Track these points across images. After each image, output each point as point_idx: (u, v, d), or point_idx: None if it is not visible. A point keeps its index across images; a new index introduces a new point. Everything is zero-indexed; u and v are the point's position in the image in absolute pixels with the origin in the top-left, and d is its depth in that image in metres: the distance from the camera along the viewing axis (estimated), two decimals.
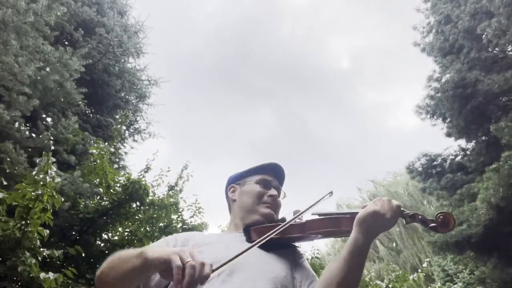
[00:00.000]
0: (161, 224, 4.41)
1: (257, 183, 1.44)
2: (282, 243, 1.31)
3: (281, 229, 1.19)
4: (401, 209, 1.15)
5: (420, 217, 1.14)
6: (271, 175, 1.49)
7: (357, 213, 1.14)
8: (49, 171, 2.54)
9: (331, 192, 1.37)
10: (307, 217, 1.29)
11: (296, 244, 1.40)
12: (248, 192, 1.43)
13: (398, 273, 5.13)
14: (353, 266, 1.09)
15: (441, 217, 1.12)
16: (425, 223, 1.14)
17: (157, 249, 1.03)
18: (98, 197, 4.07)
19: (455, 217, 1.14)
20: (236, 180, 1.52)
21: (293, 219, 1.26)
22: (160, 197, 4.44)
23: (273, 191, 1.43)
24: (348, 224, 1.17)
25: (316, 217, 1.27)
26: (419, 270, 5.08)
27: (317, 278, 1.25)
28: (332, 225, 1.23)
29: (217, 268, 0.98)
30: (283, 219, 1.35)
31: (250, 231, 1.32)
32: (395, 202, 1.14)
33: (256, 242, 1.14)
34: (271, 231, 1.19)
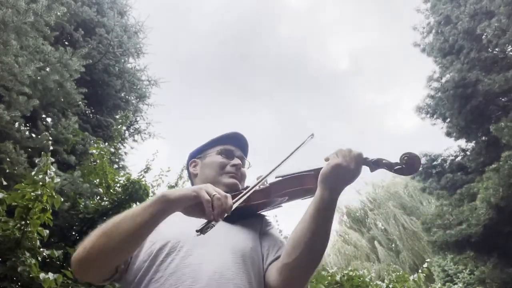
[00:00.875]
0: None
1: (219, 154, 1.38)
2: (247, 212, 1.26)
3: (249, 193, 1.14)
4: (364, 157, 1.11)
5: (384, 161, 1.11)
6: (233, 145, 1.43)
7: (321, 168, 1.10)
8: (48, 171, 2.54)
9: (312, 135, 1.33)
10: (271, 181, 1.24)
11: (264, 213, 1.35)
12: (210, 164, 1.37)
13: (398, 274, 5.13)
14: (321, 224, 1.04)
15: (405, 158, 1.09)
16: (391, 166, 1.10)
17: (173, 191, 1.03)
18: (98, 197, 4.06)
19: (420, 159, 1.10)
20: (197, 154, 1.46)
21: (261, 181, 1.20)
22: None
23: (236, 160, 1.37)
24: (313, 181, 1.13)
25: (280, 179, 1.22)
26: (420, 271, 5.08)
27: (285, 244, 1.19)
28: (295, 184, 1.18)
29: (236, 201, 1.03)
30: (247, 187, 1.27)
31: None
32: (356, 151, 1.10)
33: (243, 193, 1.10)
34: (238, 196, 1.13)
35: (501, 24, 7.94)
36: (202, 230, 0.95)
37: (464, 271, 13.98)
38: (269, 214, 1.38)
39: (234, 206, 1.03)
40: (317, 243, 1.05)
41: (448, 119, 9.83)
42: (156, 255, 1.06)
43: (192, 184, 1.43)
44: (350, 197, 21.52)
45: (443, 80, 9.79)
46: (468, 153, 10.21)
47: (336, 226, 20.73)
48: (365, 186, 21.11)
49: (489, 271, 10.03)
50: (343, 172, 1.06)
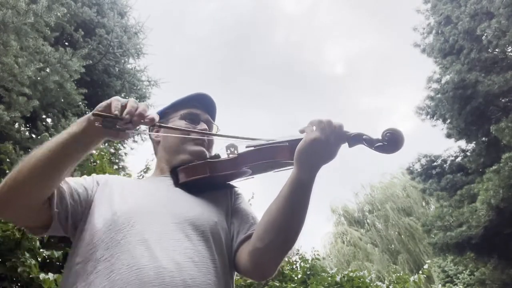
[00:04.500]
0: None
1: (182, 119, 1.23)
2: (213, 184, 1.14)
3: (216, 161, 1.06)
4: (344, 130, 0.96)
5: (364, 136, 0.98)
6: (199, 108, 1.27)
7: (297, 140, 0.97)
8: None
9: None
10: (241, 151, 1.12)
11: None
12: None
13: (398, 275, 5.13)
14: (296, 207, 0.94)
15: (388, 134, 0.96)
16: (371, 143, 0.97)
17: None
18: None
19: (403, 135, 0.97)
20: (160, 117, 1.34)
21: (228, 137, 1.09)
22: None
23: (202, 125, 1.22)
24: (286, 154, 1.02)
25: (251, 149, 1.09)
26: (420, 272, 5.08)
27: (257, 221, 1.09)
28: (267, 155, 1.05)
29: (165, 126, 1.03)
30: (217, 156, 1.16)
31: (177, 172, 1.15)
32: (336, 122, 0.95)
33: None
34: (203, 165, 1.05)
35: (501, 25, 7.95)
36: (104, 119, 0.87)
37: (464, 272, 13.98)
38: (241, 187, 1.25)
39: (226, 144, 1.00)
40: (291, 228, 0.95)
41: (448, 120, 9.84)
42: (110, 228, 0.96)
43: (155, 152, 1.31)
44: (348, 199, 21.55)
45: (443, 81, 9.80)
46: (468, 154, 10.21)
47: (335, 227, 20.75)
48: (363, 188, 21.12)
49: (489, 272, 10.03)
50: (322, 149, 0.92)
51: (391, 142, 0.96)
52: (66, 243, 3.45)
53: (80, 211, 1.02)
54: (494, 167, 7.96)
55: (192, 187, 1.12)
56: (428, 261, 5.47)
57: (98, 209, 1.02)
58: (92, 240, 0.95)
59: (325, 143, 0.92)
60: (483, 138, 9.59)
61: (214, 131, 1.28)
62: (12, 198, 0.91)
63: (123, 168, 6.11)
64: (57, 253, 2.63)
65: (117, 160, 5.90)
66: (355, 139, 0.98)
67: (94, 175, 1.17)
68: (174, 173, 1.16)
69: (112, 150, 4.76)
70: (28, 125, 4.75)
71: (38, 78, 4.11)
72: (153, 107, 7.10)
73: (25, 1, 3.84)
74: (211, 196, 1.12)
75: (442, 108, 9.57)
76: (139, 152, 6.92)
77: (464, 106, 9.01)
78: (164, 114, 1.28)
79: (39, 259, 2.56)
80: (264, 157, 1.06)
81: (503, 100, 8.98)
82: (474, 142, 9.95)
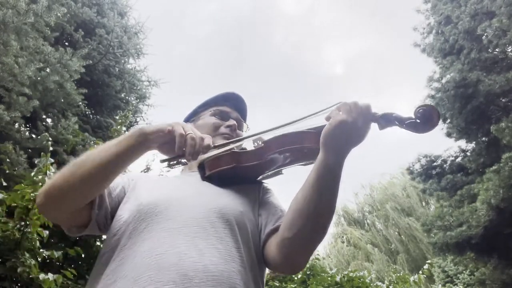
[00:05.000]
0: None
1: (212, 115, 1.26)
2: (240, 176, 1.11)
3: (235, 143, 1.03)
4: (372, 111, 0.92)
5: (394, 115, 0.91)
6: (229, 106, 1.30)
7: (323, 126, 0.93)
8: (48, 172, 2.54)
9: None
10: (266, 138, 1.09)
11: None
12: (202, 126, 1.23)
13: (398, 275, 5.13)
14: (324, 193, 0.89)
15: (421, 110, 0.89)
16: (401, 121, 0.91)
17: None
18: None
19: (438, 112, 0.90)
20: (191, 117, 1.34)
21: (254, 135, 1.06)
22: None
23: (231, 121, 1.24)
24: (313, 139, 0.97)
25: (276, 135, 1.05)
26: (420, 272, 5.08)
27: (285, 214, 1.06)
28: (294, 141, 1.00)
29: (219, 145, 0.98)
30: (243, 149, 1.15)
31: (204, 166, 1.14)
32: (363, 103, 0.91)
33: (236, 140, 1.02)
34: (228, 156, 1.02)
35: (501, 24, 7.94)
36: (169, 162, 0.92)
37: (464, 272, 13.98)
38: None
39: (215, 151, 0.97)
40: (320, 215, 0.90)
41: (449, 120, 9.83)
42: (134, 218, 0.97)
43: None
44: (348, 199, 21.54)
45: (444, 80, 9.79)
46: (468, 153, 10.21)
47: (335, 227, 20.75)
48: (362, 188, 21.11)
49: (489, 272, 10.03)
50: (349, 131, 0.88)
51: (424, 119, 0.89)
52: (66, 243, 3.45)
53: (116, 209, 1.05)
54: (494, 167, 7.96)
55: (218, 179, 1.10)
56: (428, 261, 5.47)
57: (126, 204, 1.04)
58: (117, 230, 0.97)
59: (352, 125, 0.87)
60: (483, 138, 9.58)
61: (244, 130, 1.29)
62: (62, 200, 0.93)
63: None
64: (57, 253, 2.63)
65: None
66: (385, 119, 0.92)
67: (128, 173, 1.21)
68: (201, 167, 1.16)
69: None
70: (28, 125, 4.75)
71: (38, 78, 4.11)
72: (153, 107, 7.11)
73: (25, 1, 3.84)
74: (239, 188, 1.10)
75: (442, 107, 9.56)
76: None
77: (465, 105, 9.01)
78: (196, 112, 1.32)
79: (39, 259, 2.56)
80: (290, 143, 1.00)
81: (503, 100, 8.97)
82: (474, 142, 9.95)
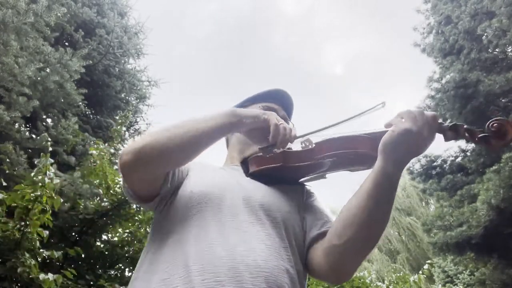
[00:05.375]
0: None
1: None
2: (285, 176, 1.08)
3: (304, 136, 1.00)
4: (439, 121, 0.87)
5: (465, 127, 0.86)
6: (277, 104, 1.28)
7: (380, 132, 0.90)
8: (47, 172, 2.54)
9: (384, 103, 1.03)
10: (316, 140, 1.05)
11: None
12: None
13: (399, 275, 5.13)
14: (380, 202, 0.86)
15: (495, 124, 0.82)
16: (473, 134, 0.85)
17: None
18: (98, 198, 4.06)
19: None
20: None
21: (312, 132, 1.02)
22: None
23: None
24: (367, 146, 0.93)
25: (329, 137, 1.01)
26: (420, 272, 5.07)
27: (331, 219, 1.03)
28: (346, 145, 0.96)
29: (301, 136, 1.00)
30: (290, 148, 1.11)
31: (248, 163, 1.13)
32: (429, 113, 0.86)
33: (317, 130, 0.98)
34: (277, 154, 1.01)
35: (501, 24, 7.94)
36: (264, 150, 0.95)
37: (464, 272, 13.97)
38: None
39: (298, 139, 0.99)
40: (374, 224, 0.87)
41: (449, 120, 9.82)
42: (185, 204, 0.98)
43: (227, 143, 1.33)
44: (348, 199, 21.49)
45: (443, 80, 9.79)
46: (468, 153, 10.21)
47: None
48: None
49: (489, 272, 10.02)
50: (413, 140, 0.83)
51: (498, 133, 0.82)
52: (66, 243, 3.44)
53: (177, 190, 1.05)
54: (494, 167, 7.96)
55: (261, 177, 1.08)
56: (428, 261, 5.47)
57: (180, 189, 1.04)
58: (169, 215, 0.98)
59: (417, 135, 0.83)
60: None
61: None
62: (154, 161, 0.91)
63: None
64: (57, 253, 2.63)
65: (117, 160, 5.89)
66: (453, 131, 0.87)
67: None
68: (244, 163, 1.15)
69: (112, 150, 4.76)
70: (28, 125, 4.75)
71: (38, 78, 4.11)
72: (153, 108, 7.11)
73: (25, 1, 3.84)
74: (283, 188, 1.08)
75: (442, 108, 9.56)
76: None
77: (465, 106, 9.00)
78: (241, 106, 1.29)
79: (39, 259, 2.56)
80: (344, 147, 0.96)
81: (503, 100, 8.97)
82: None
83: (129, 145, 0.93)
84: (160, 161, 0.92)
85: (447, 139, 0.89)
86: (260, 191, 1.04)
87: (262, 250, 0.86)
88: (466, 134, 0.87)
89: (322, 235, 0.97)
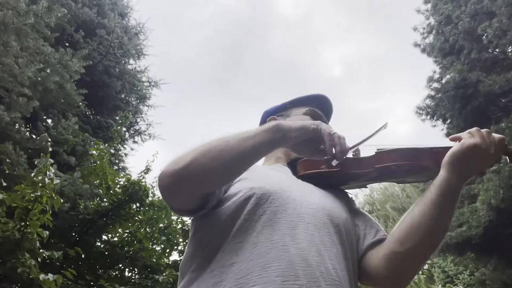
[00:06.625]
0: (161, 225, 4.41)
1: (306, 114, 1.20)
2: (332, 181, 1.07)
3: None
4: (505, 143, 0.91)
5: None
6: (321, 109, 1.24)
7: (440, 148, 0.94)
8: (48, 172, 2.55)
9: (386, 124, 1.08)
10: (379, 149, 1.04)
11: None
12: None
13: None
14: (445, 211, 0.88)
15: None
16: None
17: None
18: (98, 198, 4.07)
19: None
20: (278, 111, 1.27)
21: (365, 140, 0.97)
22: (160, 198, 4.43)
23: None
24: (429, 159, 0.96)
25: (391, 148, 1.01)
26: (420, 272, 5.07)
27: (383, 229, 1.04)
28: (409, 157, 0.97)
29: (353, 147, 0.90)
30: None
31: (296, 165, 1.10)
32: (496, 135, 0.91)
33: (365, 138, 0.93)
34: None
35: (502, 24, 7.93)
36: (328, 162, 0.84)
37: (464, 272, 13.96)
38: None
39: (352, 149, 0.90)
40: (437, 233, 0.89)
41: (449, 120, 9.82)
42: (247, 201, 0.91)
43: None
44: None
45: (444, 80, 9.78)
46: None
47: None
48: (361, 190, 21.12)
49: (489, 272, 10.02)
50: (480, 156, 0.88)
51: None
52: (66, 243, 3.45)
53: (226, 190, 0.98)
54: (494, 167, 7.95)
55: (311, 180, 1.05)
56: (428, 261, 5.48)
57: (236, 184, 0.97)
58: (229, 211, 0.91)
59: (485, 151, 0.88)
60: None
61: None
62: (197, 183, 0.85)
63: (123, 169, 6.12)
64: (57, 254, 2.64)
65: (117, 161, 5.91)
66: None
67: None
68: (292, 165, 1.11)
69: (112, 151, 4.77)
70: (28, 126, 4.76)
71: (38, 79, 4.11)
72: (153, 108, 7.12)
73: (25, 2, 3.84)
74: (335, 193, 1.06)
75: (442, 108, 9.55)
76: (139, 152, 6.94)
77: (465, 106, 9.00)
78: (284, 108, 1.26)
79: (39, 260, 2.56)
80: (406, 159, 0.97)
81: (503, 100, 8.96)
82: None
83: (168, 165, 0.84)
84: (204, 183, 0.86)
85: (511, 161, 0.93)
86: (318, 195, 1.01)
87: (331, 257, 0.85)
88: None
89: (377, 242, 0.98)
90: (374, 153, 1.01)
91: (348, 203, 1.09)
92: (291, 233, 0.85)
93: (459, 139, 0.92)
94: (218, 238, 0.88)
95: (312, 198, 0.96)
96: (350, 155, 1.00)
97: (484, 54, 8.99)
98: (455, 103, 9.16)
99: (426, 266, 5.27)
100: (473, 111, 8.94)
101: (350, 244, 0.95)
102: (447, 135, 10.11)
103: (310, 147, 0.88)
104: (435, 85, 10.05)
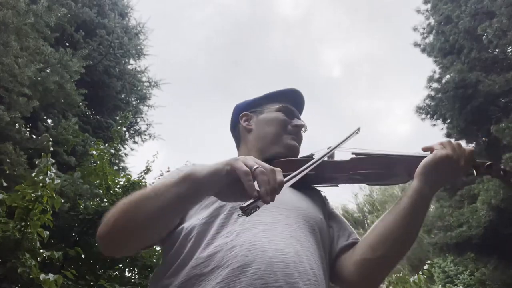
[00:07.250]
0: None
1: (279, 111, 1.17)
2: (307, 182, 1.05)
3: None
4: (473, 157, 0.95)
5: (497, 167, 0.93)
6: (293, 104, 1.22)
7: (413, 157, 0.97)
8: (48, 172, 2.54)
9: (358, 129, 1.13)
10: (339, 156, 1.07)
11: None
12: (270, 120, 1.15)
13: (398, 275, 5.12)
14: (415, 219, 0.91)
15: None
16: (506, 174, 0.91)
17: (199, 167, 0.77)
18: (98, 198, 4.07)
19: None
20: (250, 107, 1.22)
21: (325, 155, 0.98)
22: None
23: (298, 121, 1.17)
24: (401, 167, 0.98)
25: (367, 156, 1.03)
26: (420, 272, 5.08)
27: (355, 232, 1.07)
28: (381, 166, 1.00)
29: (289, 180, 0.78)
30: (312, 155, 1.09)
31: (273, 164, 1.12)
32: (467, 147, 0.95)
33: (322, 155, 0.94)
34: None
35: (502, 24, 7.94)
36: (246, 210, 0.67)
37: (464, 272, 13.96)
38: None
39: (289, 183, 0.78)
40: (406, 240, 0.93)
41: (448, 120, 9.82)
42: (227, 206, 0.90)
43: (240, 141, 1.22)
44: (348, 199, 21.56)
45: (443, 80, 9.79)
46: None
47: None
48: (362, 189, 21.12)
49: (489, 272, 10.02)
50: (451, 167, 0.92)
51: None
52: (66, 243, 3.45)
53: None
54: None
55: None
56: (428, 261, 5.48)
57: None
58: (206, 218, 0.90)
59: (455, 163, 0.92)
60: (484, 138, 9.58)
61: (302, 130, 1.22)
62: (124, 244, 0.85)
63: (123, 169, 6.11)
64: (57, 254, 2.63)
65: (117, 161, 5.91)
66: (486, 168, 0.96)
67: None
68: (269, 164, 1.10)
69: (112, 151, 4.77)
70: (28, 126, 4.76)
71: (38, 79, 4.11)
72: (153, 108, 7.12)
73: (25, 2, 3.84)
74: (308, 193, 1.07)
75: (442, 108, 9.56)
76: (139, 152, 6.94)
77: (465, 106, 9.00)
78: (257, 104, 1.22)
79: (39, 260, 2.56)
80: (377, 167, 1.00)
81: (503, 100, 8.97)
82: (475, 142, 9.94)
83: (99, 229, 0.83)
84: (130, 244, 0.85)
85: (479, 173, 0.98)
86: (293, 196, 1.01)
87: (308, 258, 0.86)
88: (501, 173, 0.94)
89: (350, 245, 1.01)
90: (350, 158, 1.04)
91: (323, 204, 1.10)
92: (270, 236, 0.85)
93: (431, 149, 0.96)
94: (195, 242, 0.87)
95: (287, 200, 0.97)
96: (325, 158, 1.03)
97: (484, 54, 8.99)
98: (455, 103, 9.16)
99: (426, 266, 5.26)
100: (473, 111, 8.94)
101: (324, 244, 0.97)
102: (447, 135, 10.10)
103: (234, 190, 0.73)
104: (435, 85, 10.06)
